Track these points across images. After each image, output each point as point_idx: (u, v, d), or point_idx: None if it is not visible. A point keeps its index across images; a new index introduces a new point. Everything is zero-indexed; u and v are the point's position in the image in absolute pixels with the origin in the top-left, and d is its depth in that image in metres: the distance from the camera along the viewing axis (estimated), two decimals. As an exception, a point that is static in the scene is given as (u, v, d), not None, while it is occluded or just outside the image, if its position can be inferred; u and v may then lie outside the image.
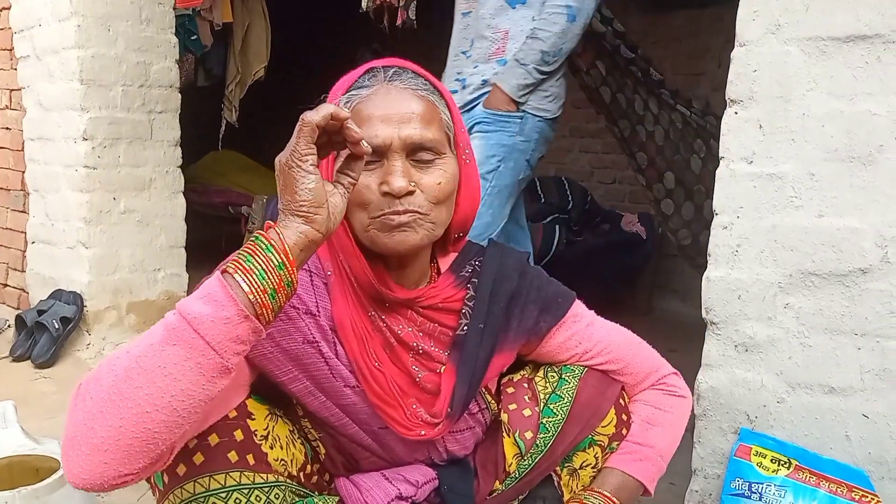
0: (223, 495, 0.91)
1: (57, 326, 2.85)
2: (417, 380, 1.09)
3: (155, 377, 0.78)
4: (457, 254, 1.16)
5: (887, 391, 1.38)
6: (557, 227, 3.66)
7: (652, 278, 4.31)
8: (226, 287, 0.80)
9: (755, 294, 1.48)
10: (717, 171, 1.51)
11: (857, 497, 1.36)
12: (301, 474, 1.03)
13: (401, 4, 2.71)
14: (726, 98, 1.49)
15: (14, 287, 3.50)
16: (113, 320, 3.09)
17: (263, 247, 0.84)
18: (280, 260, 0.83)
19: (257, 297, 0.82)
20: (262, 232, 0.86)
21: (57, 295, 3.01)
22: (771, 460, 1.45)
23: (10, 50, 3.31)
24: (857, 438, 1.42)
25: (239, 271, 0.82)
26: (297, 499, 0.95)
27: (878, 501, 1.35)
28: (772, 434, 1.48)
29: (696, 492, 1.59)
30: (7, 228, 3.51)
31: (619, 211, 4.36)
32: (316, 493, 0.97)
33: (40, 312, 2.92)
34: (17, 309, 3.36)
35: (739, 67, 1.47)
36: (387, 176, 0.98)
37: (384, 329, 1.07)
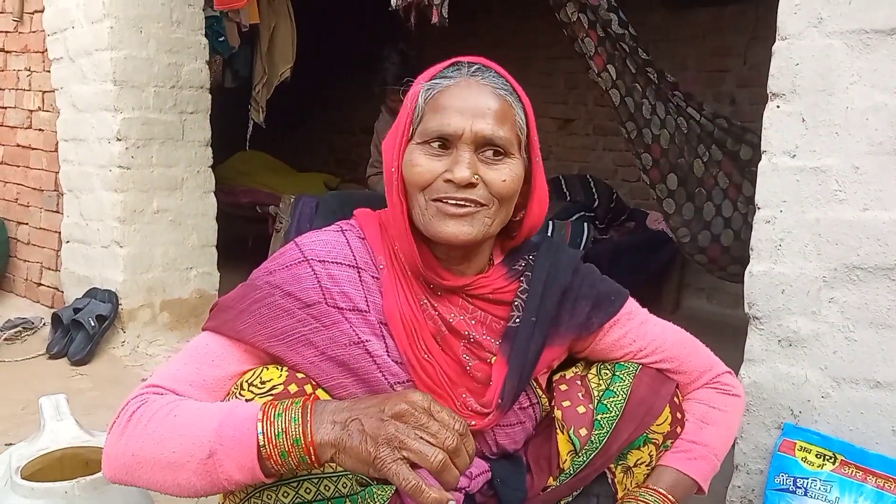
0: (294, 484, 0.92)
1: (93, 324, 2.89)
2: (468, 368, 1.10)
3: (166, 472, 0.90)
4: (511, 248, 1.17)
5: (934, 385, 1.38)
6: (585, 224, 3.66)
7: (678, 277, 4.29)
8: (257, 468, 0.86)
9: (799, 288, 1.47)
10: (759, 165, 1.50)
11: (904, 492, 1.35)
12: None
13: (435, 2, 2.71)
14: (768, 91, 1.48)
15: (48, 286, 3.56)
16: (147, 318, 3.13)
17: (293, 439, 0.85)
18: (304, 455, 0.85)
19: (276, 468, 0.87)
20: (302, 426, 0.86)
21: (92, 293, 3.05)
22: (816, 455, 1.44)
23: (44, 52, 3.36)
24: (904, 433, 1.41)
25: (269, 447, 0.86)
26: (359, 487, 0.96)
27: (927, 496, 1.34)
28: (816, 429, 1.48)
29: (739, 487, 1.58)
30: (41, 228, 3.57)
31: (644, 209, 4.35)
32: (374, 482, 0.98)
33: (76, 311, 2.97)
34: (51, 307, 3.41)
35: (781, 61, 1.47)
36: (453, 165, 1.01)
37: (435, 317, 1.09)
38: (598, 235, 3.87)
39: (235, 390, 1.00)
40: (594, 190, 4.13)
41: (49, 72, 3.33)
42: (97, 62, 3.00)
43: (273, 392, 0.98)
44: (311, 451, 0.83)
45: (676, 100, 2.89)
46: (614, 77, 2.70)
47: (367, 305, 1.06)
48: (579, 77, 4.88)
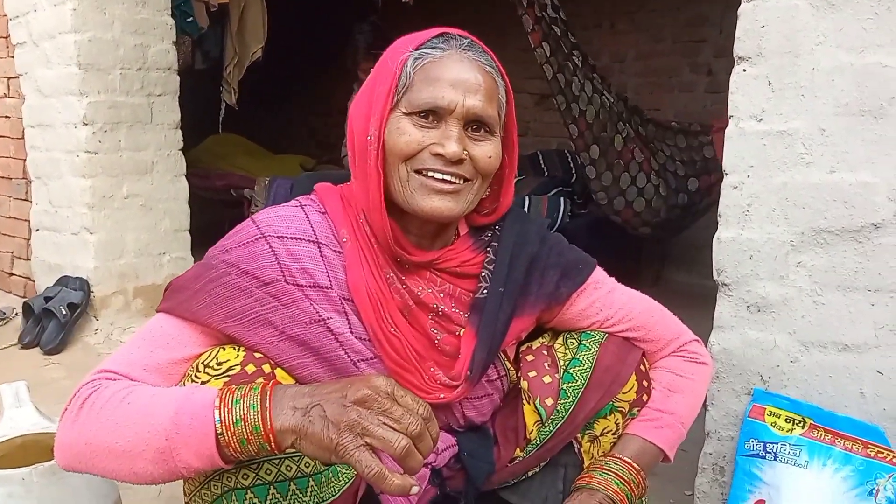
0: (254, 466, 0.90)
1: (64, 313, 2.85)
2: (436, 342, 1.08)
3: (122, 460, 0.87)
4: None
5: (902, 347, 1.38)
6: (562, 199, 3.65)
7: (659, 249, 4.30)
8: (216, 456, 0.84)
9: (767, 254, 1.46)
10: (726, 131, 1.49)
11: (872, 453, 1.36)
12: None
13: (403, -22, 2.74)
14: (734, 55, 1.47)
15: (19, 276, 3.51)
16: (120, 305, 3.10)
17: (252, 426, 0.83)
18: (265, 443, 0.83)
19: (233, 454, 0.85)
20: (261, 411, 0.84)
21: (63, 281, 3.01)
22: (785, 420, 1.44)
23: (6, 38, 3.29)
24: (872, 395, 1.41)
25: (227, 435, 0.83)
26: (323, 467, 0.94)
27: (894, 456, 1.35)
28: (786, 394, 1.48)
29: (710, 454, 1.58)
30: (10, 217, 3.51)
31: (623, 183, 4.35)
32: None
33: (47, 299, 2.93)
34: (24, 297, 3.37)
35: (747, 23, 1.44)
36: (443, 139, 0.99)
37: (402, 291, 1.07)
38: (577, 210, 3.86)
39: (191, 372, 0.97)
40: (572, 165, 4.12)
41: (13, 57, 3.26)
42: (61, 45, 2.93)
43: (230, 373, 0.95)
44: (271, 437, 0.82)
45: (596, 82, 3.20)
46: (547, 54, 3.01)
47: (329, 281, 1.03)
48: (556, 51, 4.86)
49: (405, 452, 0.78)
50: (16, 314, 3.23)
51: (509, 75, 1.10)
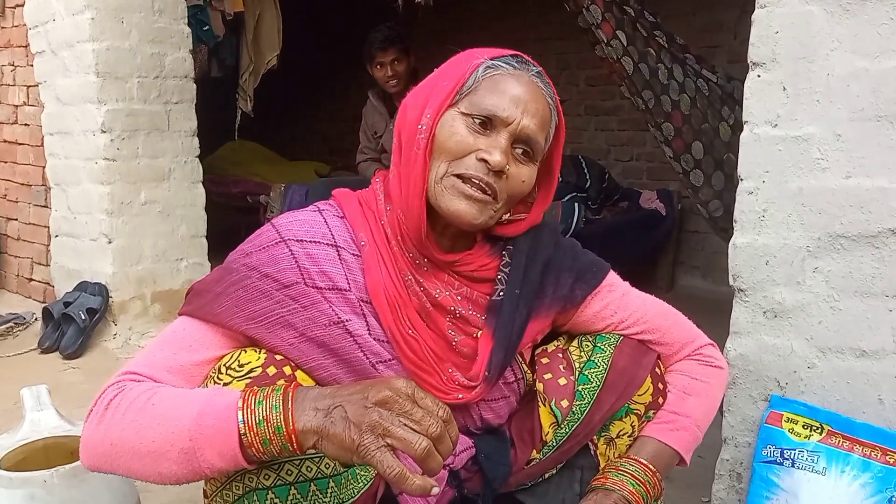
0: (276, 467, 0.91)
1: (83, 317, 2.88)
2: (454, 343, 1.09)
3: (146, 460, 0.89)
4: None
5: (920, 352, 1.37)
6: (576, 204, 3.65)
7: (673, 255, 4.29)
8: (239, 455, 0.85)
9: (783, 259, 1.46)
10: (741, 136, 1.49)
11: (891, 460, 1.35)
12: None
13: (421, -18, 2.71)
14: (748, 61, 1.46)
15: (39, 281, 3.55)
16: (138, 310, 3.12)
17: (275, 427, 0.84)
18: (287, 443, 0.84)
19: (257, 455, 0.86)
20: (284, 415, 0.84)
21: (82, 287, 3.04)
22: (803, 426, 1.43)
23: (27, 46, 3.34)
24: (891, 401, 1.40)
25: (250, 436, 0.84)
26: (342, 468, 0.95)
27: (914, 463, 1.34)
28: (803, 400, 1.47)
29: (727, 461, 1.58)
30: (30, 223, 3.55)
31: (637, 188, 4.34)
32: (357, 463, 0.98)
33: (66, 304, 2.96)
34: (43, 302, 3.41)
35: (761, 29, 1.44)
36: (491, 147, 1.01)
37: (420, 293, 1.08)
38: (592, 216, 3.86)
39: (213, 374, 0.99)
40: (586, 170, 4.11)
41: (32, 66, 3.31)
42: (79, 54, 2.97)
43: (251, 375, 0.97)
44: (294, 438, 0.82)
45: (690, 62, 2.75)
46: (625, 43, 2.58)
47: (348, 284, 1.05)
48: (571, 58, 4.85)
49: (426, 453, 0.78)
50: (35, 319, 3.27)
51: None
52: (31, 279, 3.60)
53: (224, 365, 0.99)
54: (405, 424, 0.79)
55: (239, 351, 1.01)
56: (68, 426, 1.38)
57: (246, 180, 4.56)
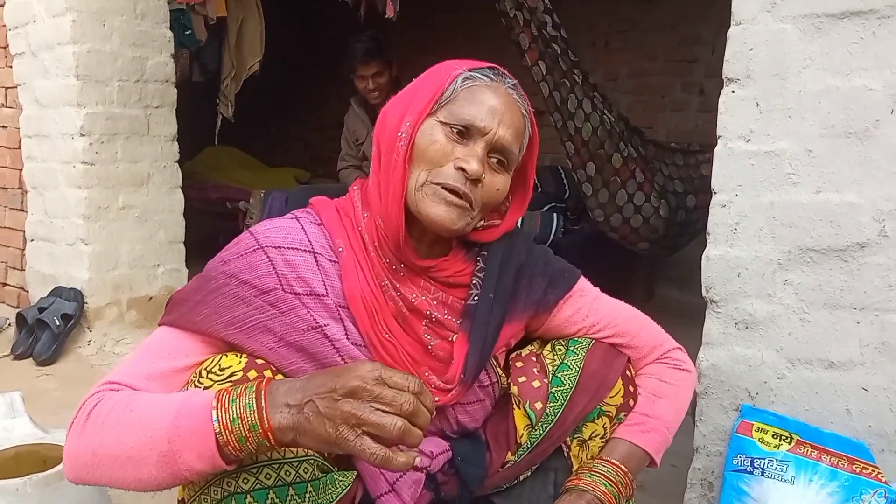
0: (254, 470, 0.92)
1: (58, 323, 2.86)
2: (430, 347, 1.11)
3: (127, 467, 0.88)
4: None
5: (886, 364, 1.39)
6: (555, 215, 3.67)
7: (650, 266, 4.33)
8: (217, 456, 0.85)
9: (754, 271, 1.49)
10: (715, 151, 1.51)
11: (857, 470, 1.37)
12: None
13: (389, -4, 2.76)
14: (723, 77, 1.49)
15: (13, 286, 3.51)
16: (114, 316, 3.10)
17: (250, 425, 0.84)
18: (263, 440, 0.85)
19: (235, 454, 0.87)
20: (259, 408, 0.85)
21: (57, 292, 3.01)
22: (772, 436, 1.46)
23: (5, 48, 3.31)
24: (858, 412, 1.43)
25: (226, 434, 0.85)
26: (320, 473, 0.96)
27: (879, 473, 1.36)
28: (773, 410, 1.49)
29: (699, 469, 1.60)
30: (5, 227, 3.52)
31: (616, 199, 4.37)
32: (335, 467, 0.98)
33: (41, 310, 2.93)
34: (17, 307, 3.37)
35: (736, 46, 1.47)
36: (468, 156, 1.04)
37: (397, 298, 1.10)
38: (570, 226, 3.89)
39: (194, 378, 0.99)
40: (565, 181, 4.14)
41: (11, 67, 3.28)
42: (60, 56, 2.95)
43: (232, 378, 0.97)
44: (270, 435, 0.83)
45: (597, 100, 3.17)
46: (544, 72, 2.99)
47: (326, 289, 1.06)
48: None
49: (402, 433, 0.80)
50: (9, 324, 3.23)
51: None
52: (6, 284, 3.55)
53: (205, 369, 0.99)
54: (378, 409, 0.81)
55: (220, 355, 1.02)
56: (42, 433, 1.37)
57: (226, 186, 4.53)
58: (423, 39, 4.82)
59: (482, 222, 1.15)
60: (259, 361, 1.01)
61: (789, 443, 1.44)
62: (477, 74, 1.08)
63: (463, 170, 1.03)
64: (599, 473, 1.12)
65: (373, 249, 1.09)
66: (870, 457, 1.39)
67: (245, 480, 0.91)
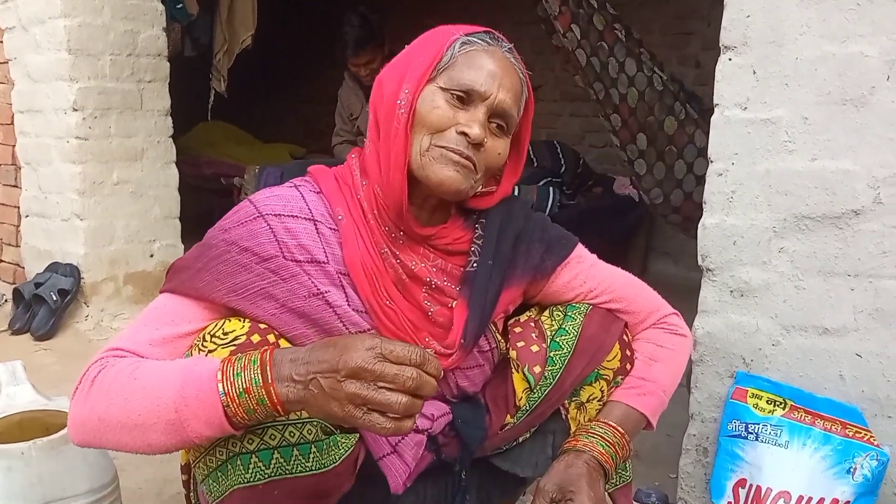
0: (259, 431, 0.93)
1: (55, 298, 2.86)
2: (430, 314, 1.12)
3: (135, 433, 0.90)
4: None
5: (880, 330, 1.41)
6: (551, 189, 3.68)
7: (645, 241, 4.35)
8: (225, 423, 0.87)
9: (750, 239, 1.50)
10: (711, 119, 1.52)
11: (850, 434, 1.40)
12: None
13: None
14: (720, 45, 1.50)
15: (8, 262, 3.50)
16: (110, 291, 3.10)
17: (257, 398, 0.86)
18: (272, 412, 0.87)
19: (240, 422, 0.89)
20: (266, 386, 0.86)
21: (53, 267, 3.02)
22: (767, 401, 1.48)
23: (-6, 22, 3.28)
24: (851, 377, 1.45)
25: (233, 406, 0.87)
26: (324, 435, 0.97)
27: (872, 437, 1.39)
28: (767, 376, 1.51)
29: (694, 436, 1.62)
30: (-1, 203, 3.50)
31: (611, 174, 4.38)
32: (338, 430, 0.99)
33: (37, 285, 2.93)
34: (13, 284, 3.36)
35: (733, 13, 1.47)
36: (470, 121, 1.05)
37: (396, 265, 1.10)
38: (566, 201, 3.90)
39: (198, 342, 1.00)
40: (561, 155, 4.15)
41: (2, 42, 3.25)
42: (51, 30, 2.93)
43: (236, 342, 0.98)
44: (279, 408, 0.86)
45: (644, 58, 2.88)
46: (579, 37, 2.71)
47: (326, 256, 1.07)
48: (546, 43, 4.81)
49: (407, 407, 0.82)
50: (5, 300, 3.23)
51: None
52: (1, 260, 3.55)
53: (208, 333, 1.00)
54: (381, 387, 0.82)
55: (224, 320, 1.03)
56: (44, 400, 1.38)
57: (219, 161, 4.52)
58: (417, 11, 4.78)
59: (480, 188, 1.15)
60: (262, 326, 1.02)
61: (783, 408, 1.46)
62: (474, 39, 1.08)
63: (465, 134, 1.04)
64: (597, 435, 1.15)
65: (372, 217, 1.10)
66: (862, 421, 1.42)
67: (250, 441, 0.93)
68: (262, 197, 1.09)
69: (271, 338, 1.01)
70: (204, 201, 4.44)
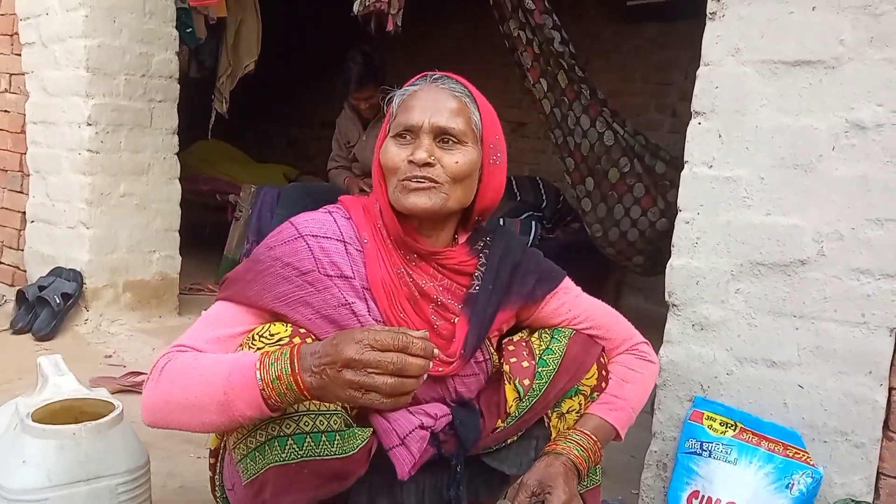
0: (295, 418, 1.12)
1: (58, 301, 2.99)
2: (435, 327, 1.32)
3: (192, 413, 1.10)
4: (472, 232, 1.41)
5: (819, 365, 1.61)
6: (533, 222, 3.87)
7: (619, 276, 4.55)
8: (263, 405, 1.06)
9: (711, 280, 1.70)
10: (682, 174, 1.73)
11: (790, 454, 1.58)
12: (347, 406, 1.23)
13: (391, 11, 2.92)
14: (691, 109, 1.71)
15: (8, 265, 3.62)
16: (110, 298, 3.23)
17: (286, 384, 1.05)
18: (300, 396, 1.06)
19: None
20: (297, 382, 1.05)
21: (57, 272, 3.14)
22: (720, 423, 1.67)
23: (12, 35, 3.43)
24: (793, 405, 1.65)
25: (268, 391, 1.05)
26: (346, 427, 1.16)
27: (809, 457, 1.58)
28: (721, 401, 1.71)
29: (655, 452, 1.81)
30: (3, 208, 3.62)
31: (589, 211, 4.58)
32: (356, 424, 1.18)
33: (41, 288, 3.05)
34: (11, 286, 3.48)
35: (703, 84, 1.69)
36: (414, 149, 1.25)
37: (410, 283, 1.31)
38: (546, 234, 4.10)
39: (248, 341, 1.20)
40: (543, 191, 4.35)
41: (17, 55, 3.40)
42: (71, 49, 3.09)
43: (280, 343, 1.18)
44: (306, 393, 1.04)
45: (605, 115, 3.22)
46: (545, 89, 3.11)
47: (353, 273, 1.27)
48: (533, 83, 5.10)
49: (394, 388, 0.99)
50: (5, 301, 3.35)
51: (490, 104, 1.36)
52: (1, 262, 3.66)
53: (257, 333, 1.20)
54: (371, 373, 0.99)
55: (269, 324, 1.22)
56: (86, 390, 1.54)
57: (216, 178, 4.66)
58: (413, 51, 4.99)
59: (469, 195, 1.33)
60: (302, 330, 1.22)
61: (734, 430, 1.65)
62: (408, 88, 1.31)
63: (413, 162, 1.24)
64: (573, 441, 1.34)
65: (390, 242, 1.31)
66: (801, 443, 1.61)
67: (287, 426, 1.11)
68: (301, 220, 1.30)
69: (309, 340, 1.20)
70: (196, 216, 4.57)
